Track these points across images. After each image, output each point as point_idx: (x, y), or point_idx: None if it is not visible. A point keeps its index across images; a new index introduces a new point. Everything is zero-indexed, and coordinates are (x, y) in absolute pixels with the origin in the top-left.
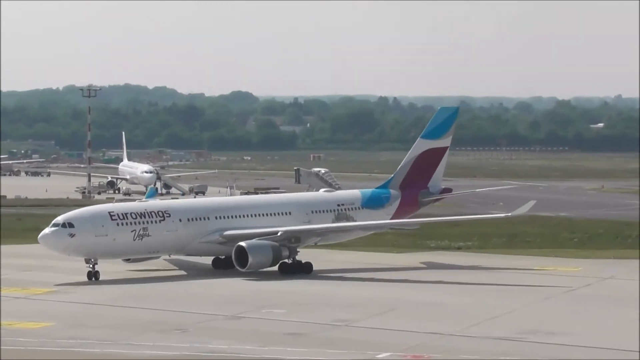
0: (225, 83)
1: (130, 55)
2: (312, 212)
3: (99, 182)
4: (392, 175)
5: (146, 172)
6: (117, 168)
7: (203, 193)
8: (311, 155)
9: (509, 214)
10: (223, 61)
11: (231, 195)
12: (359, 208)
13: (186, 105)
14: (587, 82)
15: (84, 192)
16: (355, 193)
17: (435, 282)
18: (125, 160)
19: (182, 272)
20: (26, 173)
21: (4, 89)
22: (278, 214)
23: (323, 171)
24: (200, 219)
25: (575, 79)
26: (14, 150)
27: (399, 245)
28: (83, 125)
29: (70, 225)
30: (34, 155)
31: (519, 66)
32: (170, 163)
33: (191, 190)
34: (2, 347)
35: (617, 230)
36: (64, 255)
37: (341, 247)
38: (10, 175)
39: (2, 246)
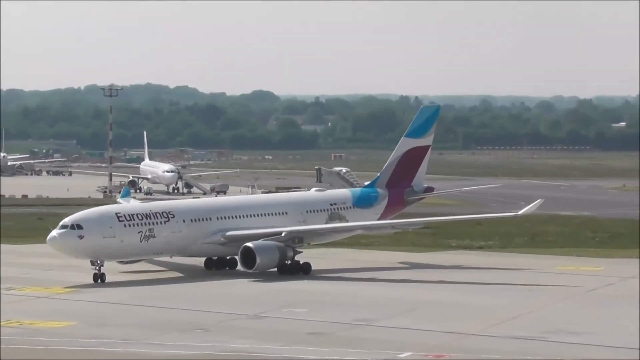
0: (246, 82)
1: (151, 55)
2: (307, 211)
3: (121, 182)
4: (378, 174)
5: (167, 171)
6: (139, 167)
7: (224, 192)
8: (332, 155)
9: (517, 213)
10: (244, 60)
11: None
12: (350, 207)
13: (207, 104)
14: (609, 81)
15: (105, 192)
16: (346, 192)
17: (456, 282)
18: (147, 160)
19: (180, 274)
20: (47, 172)
21: (26, 89)
22: (275, 214)
23: (344, 170)
24: (202, 219)
25: (597, 77)
26: (36, 150)
27: (420, 244)
28: (104, 125)
29: (79, 226)
30: (55, 155)
31: (540, 65)
32: (192, 162)
33: (212, 190)
34: (14, 347)
35: (638, 230)
36: (72, 257)
37: (362, 246)
38: (31, 174)
39: (23, 245)
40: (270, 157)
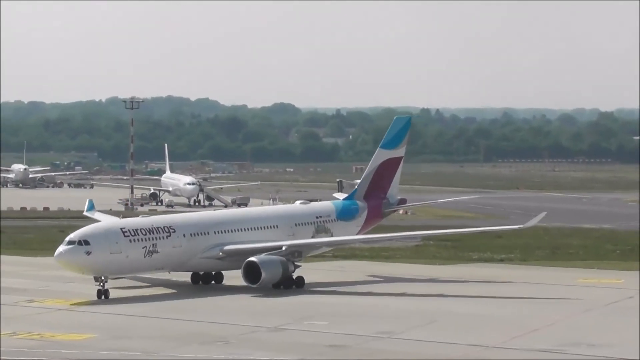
0: (267, 95)
1: (172, 67)
2: (296, 225)
3: (142, 194)
4: (356, 186)
5: (189, 183)
6: (160, 180)
7: (245, 205)
8: (353, 167)
9: (522, 226)
10: (265, 73)
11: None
12: (334, 220)
13: (229, 117)
14: (630, 94)
15: (126, 204)
16: (329, 205)
17: (477, 294)
18: (168, 172)
19: (172, 290)
20: (69, 185)
21: (47, 101)
22: (267, 227)
23: None
24: (201, 234)
25: (618, 90)
26: (57, 162)
27: (441, 257)
28: (126, 137)
29: (86, 242)
30: (76, 167)
31: (561, 78)
32: (213, 175)
33: (234, 202)
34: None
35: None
36: (79, 273)
37: (382, 259)
38: (53, 187)
39: (44, 258)
40: (292, 170)
